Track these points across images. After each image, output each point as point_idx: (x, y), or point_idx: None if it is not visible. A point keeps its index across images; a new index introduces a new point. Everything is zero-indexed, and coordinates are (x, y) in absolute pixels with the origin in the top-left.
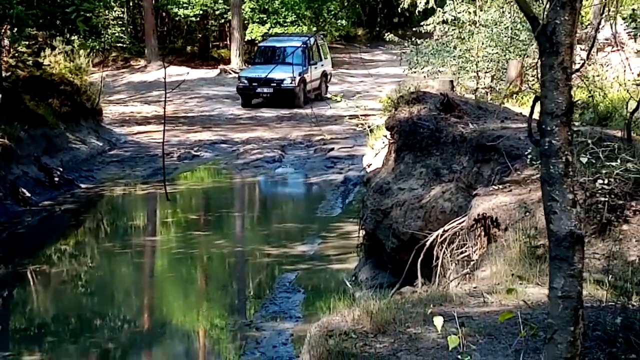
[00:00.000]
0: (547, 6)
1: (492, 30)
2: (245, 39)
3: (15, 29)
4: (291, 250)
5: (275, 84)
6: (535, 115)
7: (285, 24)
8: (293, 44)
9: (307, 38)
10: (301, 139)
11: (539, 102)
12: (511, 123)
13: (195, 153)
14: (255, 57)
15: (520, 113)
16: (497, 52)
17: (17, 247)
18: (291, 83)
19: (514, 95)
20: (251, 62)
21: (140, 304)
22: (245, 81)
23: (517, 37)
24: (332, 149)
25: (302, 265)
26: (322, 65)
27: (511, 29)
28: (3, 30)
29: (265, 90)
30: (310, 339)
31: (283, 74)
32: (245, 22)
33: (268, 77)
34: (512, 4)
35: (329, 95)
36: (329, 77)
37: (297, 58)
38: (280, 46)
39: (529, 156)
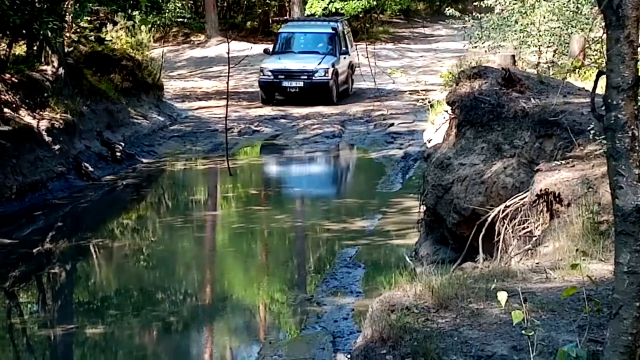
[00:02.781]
0: None
1: (554, 4)
2: (305, 14)
3: (78, 5)
4: (351, 226)
5: (306, 77)
6: (599, 90)
7: None
8: (321, 30)
9: (335, 23)
10: (361, 114)
11: (603, 76)
12: (574, 98)
13: (256, 128)
14: (275, 45)
15: (583, 88)
16: (559, 26)
17: (80, 221)
18: (325, 75)
19: (577, 70)
20: (271, 51)
21: (201, 278)
22: (270, 74)
23: (579, 11)
24: (392, 124)
25: (363, 240)
26: (349, 54)
27: (574, 2)
28: (65, 6)
29: (293, 84)
30: (372, 313)
31: (314, 65)
32: None
33: (297, 68)
34: None
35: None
36: (354, 68)
37: (327, 46)
38: (307, 32)
39: (592, 131)
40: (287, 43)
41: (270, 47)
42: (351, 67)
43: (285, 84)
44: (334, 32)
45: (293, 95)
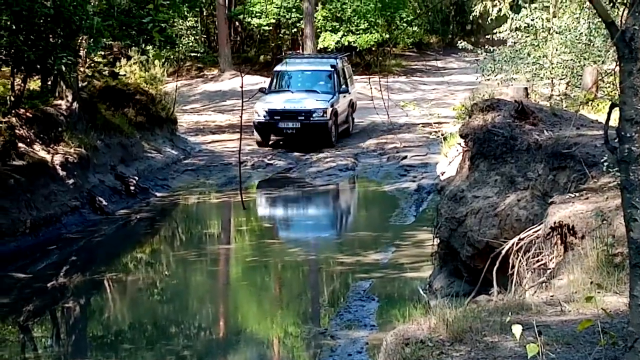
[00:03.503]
0: (625, 12)
1: (566, 37)
2: (318, 48)
3: (92, 40)
4: (365, 259)
5: (303, 117)
6: (612, 123)
7: (358, 32)
8: (319, 67)
9: (334, 59)
10: (374, 146)
11: (617, 108)
12: (587, 130)
13: (269, 161)
14: (271, 84)
15: (596, 120)
16: (572, 59)
17: (94, 256)
18: (323, 116)
19: (590, 103)
20: (267, 90)
21: (215, 312)
22: (265, 114)
23: (592, 44)
24: (405, 157)
25: (376, 273)
26: (349, 92)
27: (586, 35)
28: (80, 41)
29: (290, 124)
30: (387, 347)
31: (312, 104)
32: (318, 30)
33: (294, 108)
34: (587, 10)
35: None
36: (355, 107)
37: (325, 85)
38: (304, 69)
39: (606, 164)
40: (284, 81)
41: (267, 85)
42: (351, 105)
43: (282, 125)
44: (332, 69)
45: (290, 137)
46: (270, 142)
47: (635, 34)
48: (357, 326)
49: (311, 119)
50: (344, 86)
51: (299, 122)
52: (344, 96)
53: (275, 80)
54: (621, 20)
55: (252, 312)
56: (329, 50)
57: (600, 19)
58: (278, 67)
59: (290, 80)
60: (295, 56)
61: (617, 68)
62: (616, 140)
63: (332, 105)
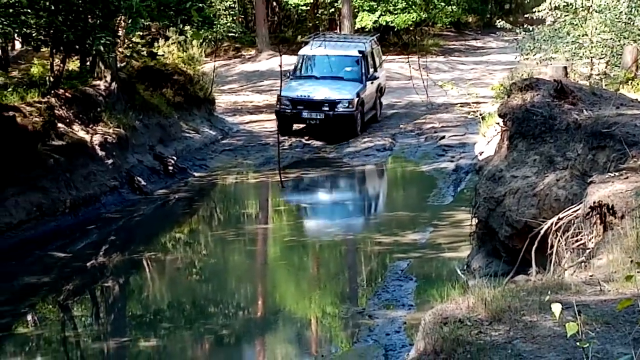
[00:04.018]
0: None
1: (606, 16)
2: (355, 27)
3: (130, 20)
4: (402, 239)
5: (327, 108)
6: None
7: (396, 12)
8: (347, 52)
9: (362, 43)
10: (412, 127)
11: None
12: (627, 109)
13: (306, 141)
14: (296, 68)
15: (636, 99)
16: (611, 38)
17: (133, 235)
18: (349, 107)
19: (630, 82)
20: (291, 74)
21: (253, 291)
22: (288, 103)
23: (632, 22)
24: (443, 137)
25: (414, 253)
26: (377, 78)
27: (626, 13)
28: (118, 21)
29: (314, 115)
30: (425, 326)
31: (337, 94)
32: (355, 10)
33: (319, 98)
34: None
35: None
36: (383, 90)
37: (352, 72)
38: (331, 55)
39: None
40: (309, 66)
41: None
42: (380, 89)
43: (305, 115)
44: (360, 55)
45: (313, 127)
46: (292, 131)
47: None
48: (395, 306)
49: (336, 109)
50: (372, 71)
51: (322, 112)
52: (372, 82)
53: (300, 65)
54: None
55: (290, 291)
56: (366, 30)
57: None
58: (303, 51)
59: (316, 66)
60: (321, 38)
61: None
62: None
63: (358, 95)
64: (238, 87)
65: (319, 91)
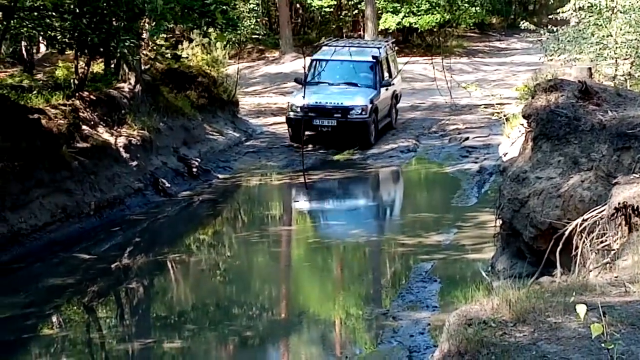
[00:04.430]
0: None
1: (630, 16)
2: (379, 29)
3: (154, 23)
4: (426, 240)
5: (339, 114)
6: None
7: (419, 13)
8: (360, 57)
9: (377, 49)
10: (435, 128)
11: None
12: None
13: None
14: (308, 75)
15: None
16: (636, 38)
17: (157, 237)
18: (362, 113)
19: None
20: (304, 80)
21: (277, 293)
22: (299, 110)
23: None
24: (467, 138)
25: (438, 255)
26: (393, 84)
27: None
28: (142, 24)
29: (326, 122)
30: (449, 327)
31: (350, 101)
32: (379, 11)
33: (331, 105)
34: None
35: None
36: (399, 97)
37: (366, 78)
38: (344, 59)
39: None
40: (321, 72)
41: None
42: (395, 97)
43: (317, 122)
44: (374, 60)
45: (325, 135)
46: (304, 139)
47: None
48: (419, 307)
49: (348, 116)
50: (387, 77)
51: (335, 119)
52: (386, 89)
53: (312, 70)
54: None
55: (314, 293)
56: (390, 32)
57: None
58: (316, 55)
59: (328, 71)
60: (335, 43)
61: None
62: None
63: (371, 102)
64: (262, 89)
65: (331, 97)
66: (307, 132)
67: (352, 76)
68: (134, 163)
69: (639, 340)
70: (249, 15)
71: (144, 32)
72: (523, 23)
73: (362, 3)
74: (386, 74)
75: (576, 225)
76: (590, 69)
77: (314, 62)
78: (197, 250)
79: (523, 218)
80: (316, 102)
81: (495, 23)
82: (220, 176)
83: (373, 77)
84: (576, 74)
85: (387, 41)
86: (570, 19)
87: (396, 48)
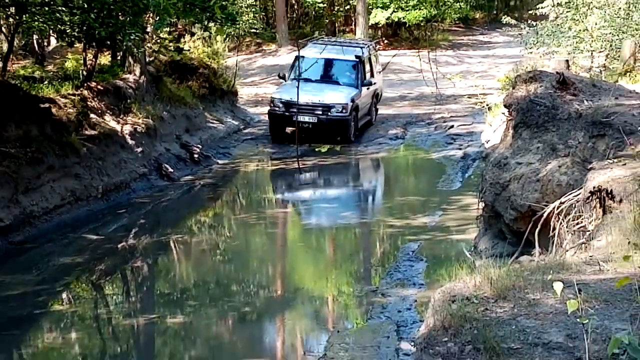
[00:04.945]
0: None
1: (605, 12)
2: (370, 24)
3: (158, 17)
4: (413, 222)
5: (320, 112)
6: None
7: (407, 8)
8: (344, 56)
9: (360, 48)
10: (422, 116)
11: None
12: (625, 100)
13: None
14: (291, 71)
15: (634, 90)
16: (610, 32)
17: (161, 219)
18: (343, 111)
19: (628, 73)
20: (287, 77)
21: (273, 271)
22: (281, 105)
23: (630, 18)
24: (452, 126)
25: (424, 235)
26: (374, 83)
27: (625, 9)
28: (147, 19)
29: (307, 119)
30: (434, 303)
31: (331, 98)
32: (369, 7)
33: (312, 102)
34: None
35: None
36: (379, 97)
37: (348, 77)
38: (327, 58)
39: None
40: (304, 69)
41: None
42: (376, 96)
43: (298, 118)
44: (357, 60)
45: (305, 131)
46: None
47: None
48: (406, 285)
49: (329, 114)
50: (368, 77)
51: (316, 116)
52: (368, 88)
53: (295, 67)
54: None
55: (308, 271)
56: (380, 26)
57: None
58: (301, 53)
59: (312, 69)
60: (319, 42)
61: None
62: None
63: (352, 101)
64: (259, 80)
65: (313, 95)
66: (288, 128)
67: (335, 74)
68: (139, 149)
69: (612, 315)
70: (247, 10)
71: (148, 26)
72: (505, 18)
73: None
74: (368, 74)
75: (554, 207)
76: (567, 61)
77: (299, 58)
78: (199, 231)
79: (504, 201)
80: (298, 99)
81: (479, 18)
82: (220, 162)
83: (355, 76)
84: (554, 66)
85: (370, 41)
86: (549, 14)
87: (379, 48)
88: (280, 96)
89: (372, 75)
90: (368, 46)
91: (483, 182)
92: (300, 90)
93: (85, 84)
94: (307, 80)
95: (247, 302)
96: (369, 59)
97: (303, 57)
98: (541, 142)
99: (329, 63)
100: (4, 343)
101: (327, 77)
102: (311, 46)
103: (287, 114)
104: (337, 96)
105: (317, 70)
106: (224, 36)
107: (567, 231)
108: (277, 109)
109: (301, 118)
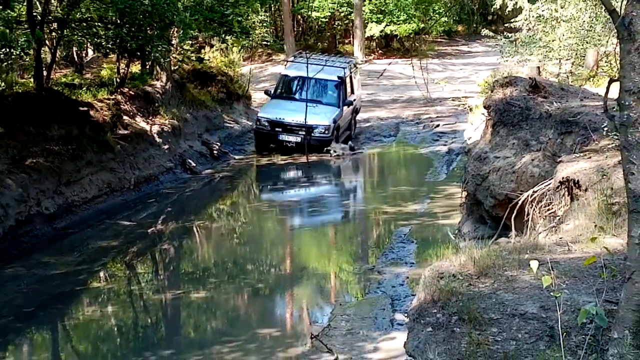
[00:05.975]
0: (625, 1)
1: (571, 24)
2: (366, 36)
3: (182, 31)
4: (405, 209)
5: (304, 132)
6: (610, 95)
7: (399, 22)
8: (326, 76)
9: (341, 69)
10: (412, 117)
11: (615, 83)
12: (589, 101)
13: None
14: (277, 88)
15: (597, 93)
16: (576, 43)
17: (185, 207)
18: (325, 132)
19: (591, 78)
20: (272, 94)
21: (283, 252)
22: (267, 124)
23: (593, 30)
24: (438, 125)
25: (414, 220)
26: (354, 100)
27: (588, 22)
28: (172, 32)
29: (291, 138)
30: (425, 280)
31: (314, 120)
32: (365, 21)
33: (296, 122)
34: (588, 1)
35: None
36: (359, 110)
37: (330, 96)
38: (311, 77)
39: (605, 129)
40: (289, 87)
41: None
42: (355, 111)
43: (282, 137)
44: (339, 80)
45: (288, 149)
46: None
47: (633, 19)
48: (399, 263)
49: (312, 135)
50: (349, 95)
51: (299, 136)
52: (348, 107)
53: (280, 85)
54: (621, 8)
55: (313, 252)
56: (374, 38)
57: (601, 9)
58: (285, 71)
59: (296, 87)
60: (303, 60)
61: (617, 49)
62: (614, 109)
63: (335, 121)
64: (269, 86)
65: (297, 115)
66: (272, 145)
67: (318, 94)
68: (166, 146)
69: (580, 289)
70: (259, 25)
71: (173, 39)
72: (484, 30)
73: (352, 14)
74: (349, 92)
75: (527, 196)
76: (538, 67)
77: (283, 77)
78: (218, 218)
79: (484, 190)
80: (282, 119)
81: (461, 30)
82: (236, 157)
83: (337, 96)
84: (527, 72)
85: (350, 60)
86: (522, 27)
87: (373, 57)
88: (266, 115)
89: (352, 92)
90: (348, 65)
91: (465, 173)
92: (284, 109)
93: (119, 90)
94: (291, 98)
95: (260, 279)
96: (350, 77)
97: (287, 75)
98: (516, 139)
99: (312, 82)
100: (50, 316)
101: (310, 96)
102: (295, 64)
103: (272, 133)
104: (319, 118)
105: (301, 89)
106: (239, 47)
107: (540, 216)
108: (262, 127)
109: (285, 137)
